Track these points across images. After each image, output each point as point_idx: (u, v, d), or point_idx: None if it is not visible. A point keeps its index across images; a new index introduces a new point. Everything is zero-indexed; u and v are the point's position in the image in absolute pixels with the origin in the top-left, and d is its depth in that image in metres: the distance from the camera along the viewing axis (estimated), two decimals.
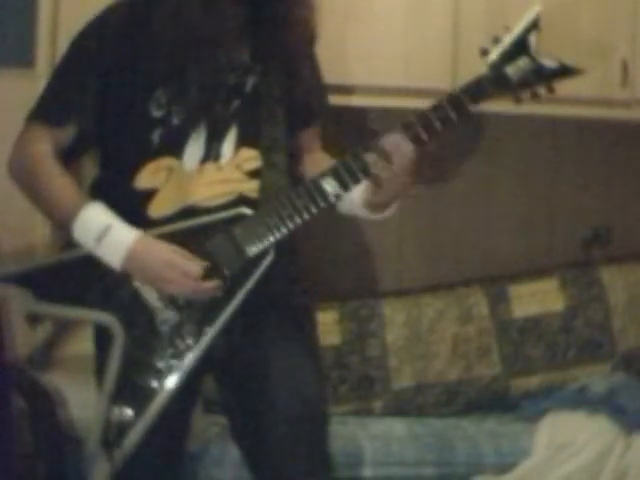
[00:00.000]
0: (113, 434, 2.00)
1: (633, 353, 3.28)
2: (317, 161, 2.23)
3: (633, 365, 3.27)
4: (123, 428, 2.00)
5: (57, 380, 2.57)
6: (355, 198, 2.15)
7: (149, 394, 2.01)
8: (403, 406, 3.17)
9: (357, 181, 2.06)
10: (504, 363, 3.24)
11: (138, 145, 2.10)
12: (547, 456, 2.88)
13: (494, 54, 2.07)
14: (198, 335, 2.03)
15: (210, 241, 2.04)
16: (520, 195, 3.50)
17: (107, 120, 2.12)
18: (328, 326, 3.12)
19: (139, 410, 2.00)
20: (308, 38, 2.21)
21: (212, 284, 2.03)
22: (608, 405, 3.01)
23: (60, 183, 2.07)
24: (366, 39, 2.96)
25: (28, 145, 2.11)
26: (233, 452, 2.45)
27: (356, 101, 2.97)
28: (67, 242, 2.10)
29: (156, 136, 2.08)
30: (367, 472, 2.83)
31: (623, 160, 3.51)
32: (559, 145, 3.48)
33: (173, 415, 2.06)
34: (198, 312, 2.04)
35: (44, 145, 2.09)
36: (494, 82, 2.07)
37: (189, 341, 2.03)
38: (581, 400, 3.08)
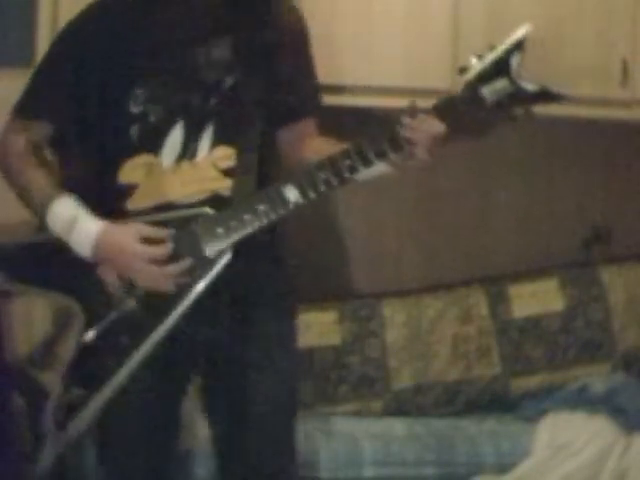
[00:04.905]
0: (66, 415, 2.04)
1: (633, 353, 3.29)
2: (315, 147, 2.21)
3: (633, 365, 3.27)
4: (74, 409, 2.04)
5: (57, 380, 2.57)
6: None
7: (104, 378, 2.04)
8: (403, 406, 3.17)
9: (318, 192, 2.05)
10: (504, 363, 3.24)
11: (118, 141, 2.14)
12: (547, 456, 2.88)
13: (471, 73, 2.02)
14: (151, 328, 2.05)
15: (172, 236, 2.07)
16: (520, 195, 3.50)
17: (88, 116, 2.15)
18: (328, 326, 3.12)
19: (93, 392, 2.04)
20: (292, 35, 2.21)
21: (176, 269, 2.05)
22: (608, 405, 3.01)
23: (32, 176, 2.12)
24: (366, 39, 2.96)
25: (6, 139, 2.17)
26: None
27: (356, 101, 2.97)
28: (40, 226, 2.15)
29: (134, 132, 2.12)
30: (367, 472, 2.84)
31: (623, 160, 3.51)
32: (559, 145, 3.48)
33: (160, 413, 2.09)
34: (154, 304, 2.07)
35: (20, 139, 2.15)
36: (467, 102, 2.02)
37: (141, 333, 2.05)
38: (581, 400, 3.08)
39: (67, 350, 2.07)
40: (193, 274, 2.06)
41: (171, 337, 2.06)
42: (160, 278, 2.05)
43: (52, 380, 2.18)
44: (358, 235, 3.43)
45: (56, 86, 2.15)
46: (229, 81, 2.15)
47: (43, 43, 2.79)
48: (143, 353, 2.05)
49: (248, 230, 2.05)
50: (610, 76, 3.04)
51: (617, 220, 3.51)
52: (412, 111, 2.02)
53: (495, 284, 3.33)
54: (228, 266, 2.06)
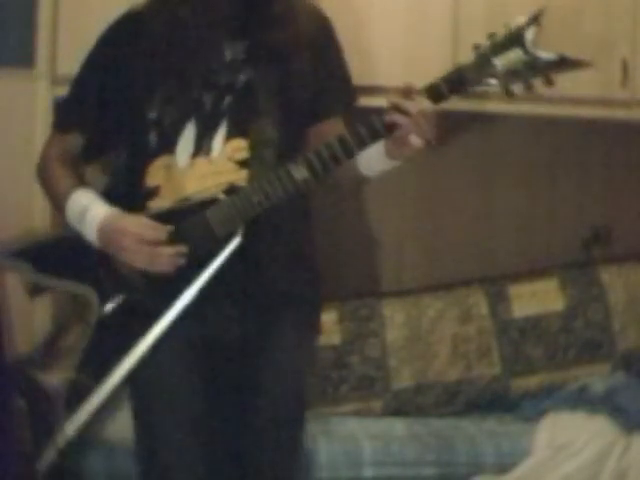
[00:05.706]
0: (75, 401, 2.11)
1: (633, 353, 3.28)
2: None
3: (633, 365, 3.27)
4: (83, 395, 2.11)
5: (57, 380, 2.57)
6: (374, 155, 2.15)
7: (109, 367, 2.11)
8: (403, 406, 3.17)
9: (326, 168, 2.09)
10: (504, 363, 3.24)
11: (140, 147, 2.22)
12: (547, 456, 2.88)
13: (484, 47, 2.06)
14: (162, 311, 2.11)
15: (185, 222, 2.13)
16: (520, 195, 3.50)
17: (114, 125, 2.26)
18: (328, 326, 3.11)
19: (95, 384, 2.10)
20: (313, 37, 2.23)
21: (169, 250, 2.11)
22: (608, 405, 3.01)
23: (58, 180, 2.26)
24: (366, 39, 2.96)
25: (45, 152, 2.34)
26: None
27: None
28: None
29: (153, 137, 2.20)
30: (367, 472, 2.84)
31: (623, 160, 3.51)
32: (559, 145, 3.48)
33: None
34: (165, 288, 2.12)
35: (54, 151, 2.30)
36: (476, 69, 2.05)
37: (150, 317, 2.11)
38: (581, 400, 3.08)
39: (82, 337, 2.15)
40: (204, 257, 2.11)
41: (192, 333, 2.12)
42: (153, 258, 2.11)
43: (57, 379, 2.23)
44: (358, 235, 3.43)
45: (85, 101, 2.28)
46: (242, 79, 2.19)
47: (43, 43, 2.80)
48: (151, 339, 2.10)
49: (257, 211, 2.10)
50: (610, 76, 3.04)
51: (617, 220, 3.51)
52: (406, 90, 2.09)
53: (495, 284, 3.33)
54: (253, 266, 2.13)
